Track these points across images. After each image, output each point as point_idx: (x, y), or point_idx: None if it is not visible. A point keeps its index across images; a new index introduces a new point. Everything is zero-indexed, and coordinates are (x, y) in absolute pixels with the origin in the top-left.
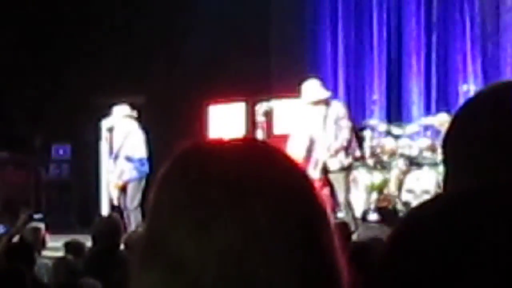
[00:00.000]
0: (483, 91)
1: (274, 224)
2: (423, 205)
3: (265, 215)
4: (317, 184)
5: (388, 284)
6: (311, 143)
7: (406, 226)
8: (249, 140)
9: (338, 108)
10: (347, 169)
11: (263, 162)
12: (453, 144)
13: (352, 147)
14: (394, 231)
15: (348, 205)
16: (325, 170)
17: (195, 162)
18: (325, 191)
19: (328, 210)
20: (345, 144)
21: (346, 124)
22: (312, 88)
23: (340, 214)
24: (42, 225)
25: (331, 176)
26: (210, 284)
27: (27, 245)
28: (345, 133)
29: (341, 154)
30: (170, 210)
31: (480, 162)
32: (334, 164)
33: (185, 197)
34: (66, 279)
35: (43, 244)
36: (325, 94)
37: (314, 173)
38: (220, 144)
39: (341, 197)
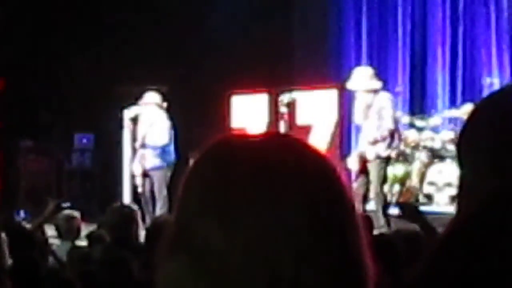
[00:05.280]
0: (509, 87)
1: (302, 216)
2: (468, 208)
3: (293, 208)
4: (354, 174)
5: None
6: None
7: (452, 231)
8: (276, 134)
9: (384, 98)
10: (384, 160)
11: (291, 156)
12: (476, 138)
13: (395, 140)
14: (445, 232)
15: (380, 196)
16: (364, 159)
17: (226, 155)
18: (361, 180)
19: (355, 203)
20: (386, 133)
21: (390, 113)
22: (365, 76)
23: (369, 206)
24: (77, 214)
25: (369, 166)
26: (234, 272)
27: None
28: (388, 123)
29: (381, 145)
30: (199, 199)
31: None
32: (370, 154)
33: (214, 187)
34: (79, 269)
35: (78, 233)
36: (377, 84)
37: (353, 162)
38: (249, 138)
39: (373, 187)
